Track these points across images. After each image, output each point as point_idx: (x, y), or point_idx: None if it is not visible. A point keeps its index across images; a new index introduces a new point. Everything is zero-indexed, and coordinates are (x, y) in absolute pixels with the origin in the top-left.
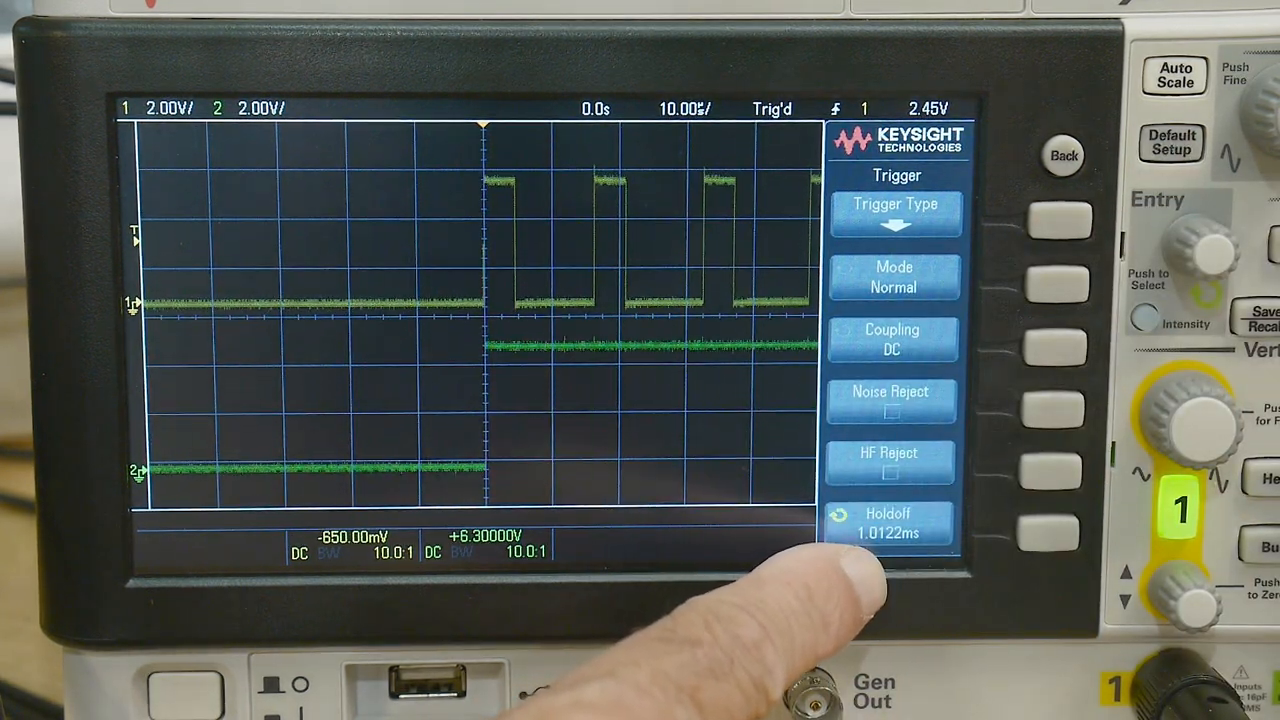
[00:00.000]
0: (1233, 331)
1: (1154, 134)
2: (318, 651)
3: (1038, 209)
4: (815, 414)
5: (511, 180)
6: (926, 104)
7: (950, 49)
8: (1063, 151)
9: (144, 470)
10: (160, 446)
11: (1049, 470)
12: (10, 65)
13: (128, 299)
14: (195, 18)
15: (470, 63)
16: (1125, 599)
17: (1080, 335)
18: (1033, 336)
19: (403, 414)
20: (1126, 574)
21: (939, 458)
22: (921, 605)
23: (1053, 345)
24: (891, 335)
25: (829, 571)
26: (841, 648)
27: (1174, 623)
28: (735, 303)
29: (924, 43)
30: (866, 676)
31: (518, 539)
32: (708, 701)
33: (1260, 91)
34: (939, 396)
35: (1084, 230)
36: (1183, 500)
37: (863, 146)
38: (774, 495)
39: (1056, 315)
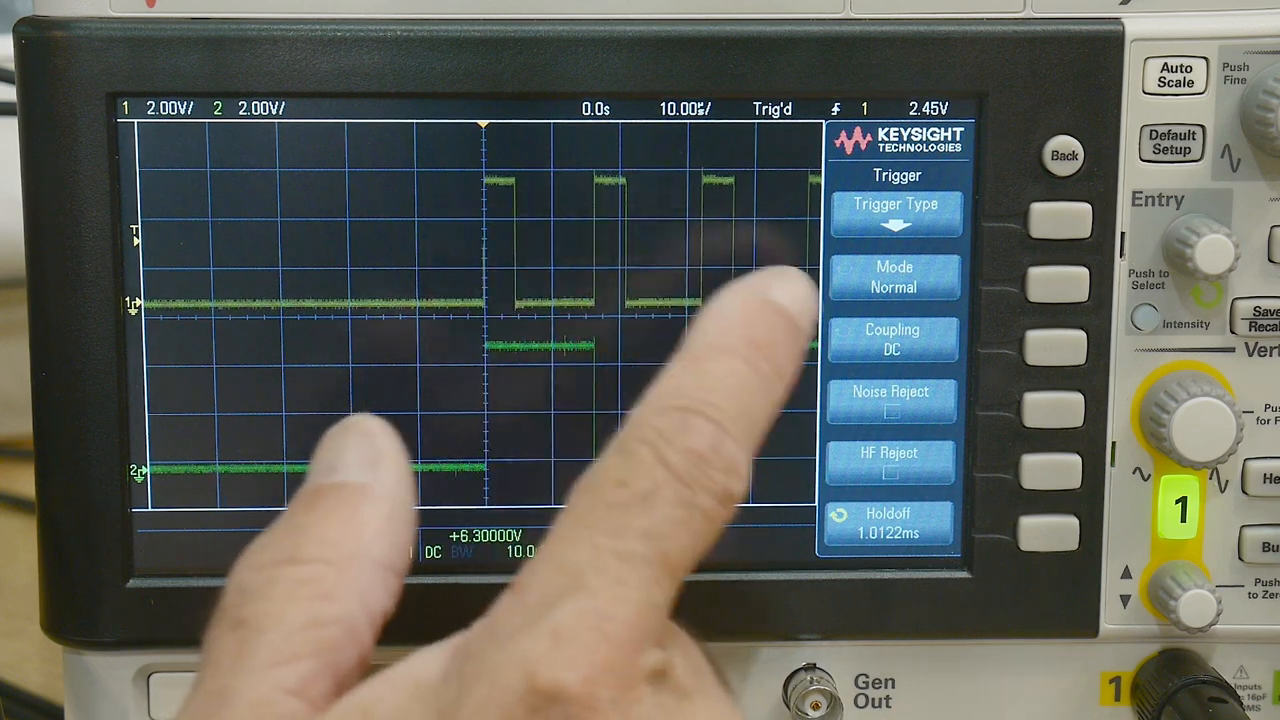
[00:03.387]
0: (1233, 331)
1: (1154, 134)
2: None
3: (1038, 209)
4: (815, 414)
5: (511, 180)
6: (926, 104)
7: (950, 49)
8: (1063, 151)
9: (144, 470)
10: (160, 446)
11: (1049, 470)
12: (10, 65)
13: (128, 299)
14: (195, 18)
15: (470, 63)
16: (1125, 599)
17: (1080, 335)
18: (1033, 336)
19: (402, 414)
20: (1126, 574)
21: (939, 458)
22: (921, 605)
23: (1053, 345)
24: (891, 335)
25: (765, 311)
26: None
27: (1174, 623)
28: None
29: (924, 43)
30: (866, 676)
31: (518, 539)
32: (677, 557)
33: (1260, 91)
34: (939, 396)
35: (1084, 230)
36: (1183, 500)
37: (863, 146)
38: (774, 495)
39: (1056, 315)
